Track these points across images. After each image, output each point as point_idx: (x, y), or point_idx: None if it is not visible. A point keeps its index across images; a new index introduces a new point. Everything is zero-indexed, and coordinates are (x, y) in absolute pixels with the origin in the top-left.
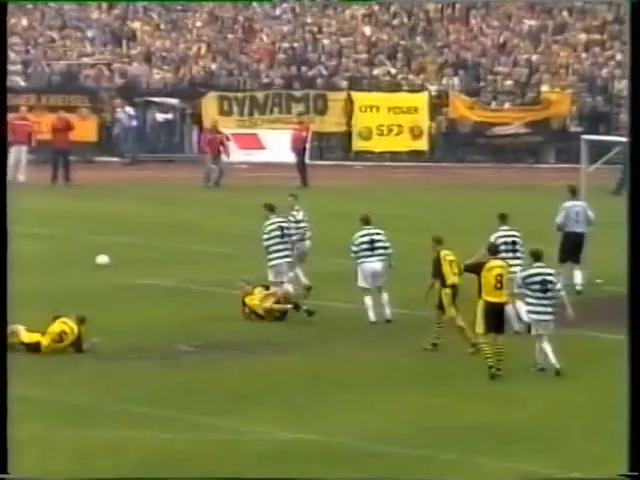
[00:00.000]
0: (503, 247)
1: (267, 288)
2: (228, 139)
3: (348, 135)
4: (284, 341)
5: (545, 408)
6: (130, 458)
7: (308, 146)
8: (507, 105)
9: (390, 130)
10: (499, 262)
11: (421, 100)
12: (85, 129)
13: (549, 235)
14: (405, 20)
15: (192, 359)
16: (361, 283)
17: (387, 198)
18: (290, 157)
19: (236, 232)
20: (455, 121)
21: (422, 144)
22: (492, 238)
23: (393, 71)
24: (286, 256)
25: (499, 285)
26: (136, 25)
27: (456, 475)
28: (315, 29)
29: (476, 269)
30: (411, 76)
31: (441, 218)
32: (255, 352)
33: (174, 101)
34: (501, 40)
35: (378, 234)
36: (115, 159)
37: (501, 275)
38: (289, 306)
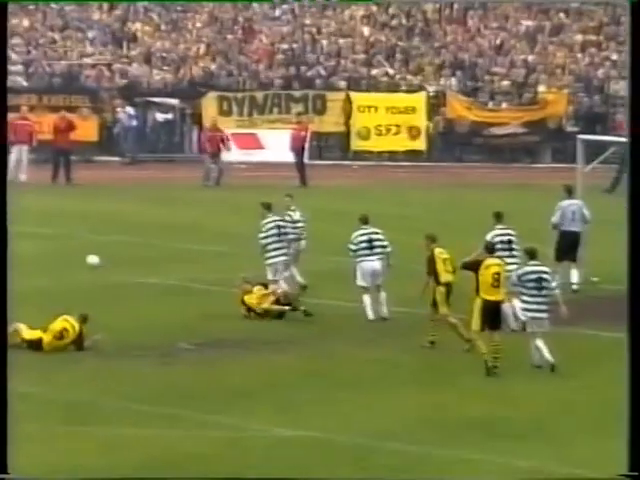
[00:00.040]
0: (499, 245)
1: (266, 287)
2: (228, 139)
3: (346, 135)
4: (283, 339)
5: (543, 406)
6: (130, 456)
7: (307, 146)
8: (504, 105)
9: (388, 130)
10: (496, 260)
11: (419, 100)
12: (86, 129)
13: (546, 234)
14: (403, 21)
15: (192, 357)
16: (360, 282)
17: (385, 197)
18: (289, 157)
19: (236, 231)
20: (453, 121)
21: (420, 144)
22: (488, 237)
23: (391, 71)
24: (283, 254)
25: (496, 283)
26: (137, 26)
27: (454, 472)
28: (314, 30)
29: (473, 267)
30: (409, 76)
31: (439, 217)
32: (255, 350)
33: (174, 101)
34: (498, 41)
35: (377, 233)
36: (115, 159)
37: (498, 273)
38: (287, 308)
